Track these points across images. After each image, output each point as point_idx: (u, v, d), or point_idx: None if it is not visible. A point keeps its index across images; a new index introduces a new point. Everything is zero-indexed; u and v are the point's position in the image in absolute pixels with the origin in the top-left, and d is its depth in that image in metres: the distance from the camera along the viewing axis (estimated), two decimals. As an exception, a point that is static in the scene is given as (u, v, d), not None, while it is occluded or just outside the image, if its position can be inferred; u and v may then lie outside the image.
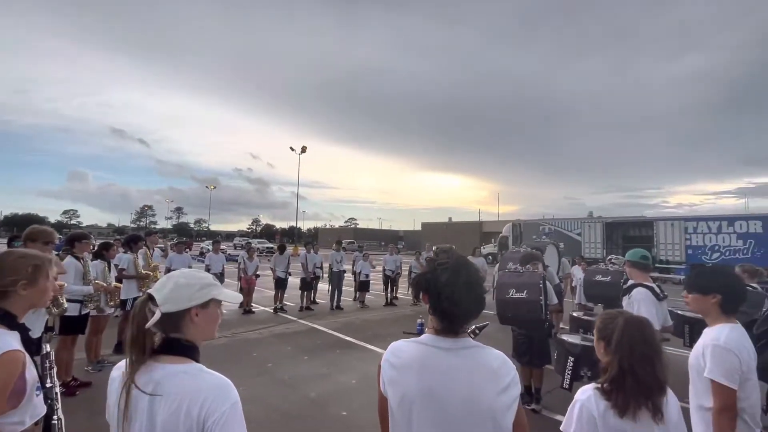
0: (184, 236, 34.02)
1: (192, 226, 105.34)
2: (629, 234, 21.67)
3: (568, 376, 2.90)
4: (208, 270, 8.12)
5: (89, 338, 4.87)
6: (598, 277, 4.68)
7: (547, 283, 4.00)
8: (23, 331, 1.47)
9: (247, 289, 8.97)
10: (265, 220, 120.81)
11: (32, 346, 1.51)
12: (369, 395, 4.40)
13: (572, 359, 2.90)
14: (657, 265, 16.62)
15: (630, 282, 3.10)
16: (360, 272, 10.24)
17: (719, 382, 1.74)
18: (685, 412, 1.53)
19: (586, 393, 1.42)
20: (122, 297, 5.47)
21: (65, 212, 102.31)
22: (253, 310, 8.87)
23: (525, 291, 3.66)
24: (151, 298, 1.08)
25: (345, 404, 4.15)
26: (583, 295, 6.75)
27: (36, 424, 1.46)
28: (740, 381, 1.75)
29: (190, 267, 8.30)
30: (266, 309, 9.14)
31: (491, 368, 1.12)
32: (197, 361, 1.10)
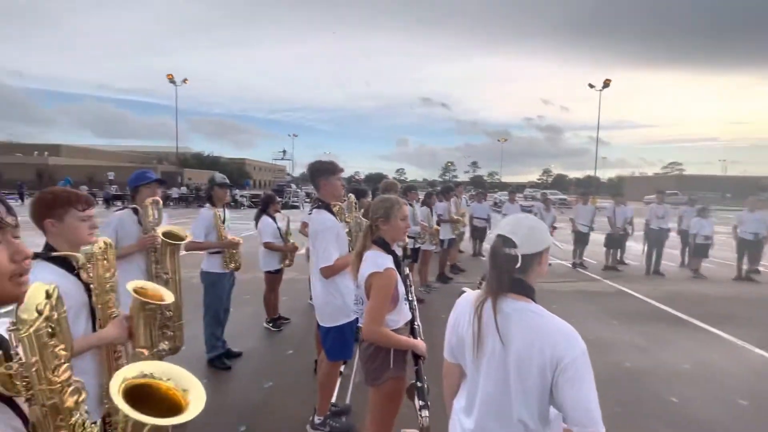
0: (480, 188, 37.47)
1: (485, 178, 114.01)
2: None
3: None
4: (505, 219, 8.56)
5: (420, 267, 6.27)
6: None
7: None
8: (395, 256, 1.99)
9: (542, 240, 8.85)
10: (556, 170, 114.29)
11: (400, 267, 2.03)
12: (708, 388, 3.41)
13: None
14: None
15: None
16: (696, 233, 7.83)
17: None
18: None
19: None
20: (441, 237, 6.68)
21: (397, 170, 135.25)
22: (550, 262, 8.68)
23: None
24: (504, 239, 1.17)
25: (673, 389, 3.40)
26: None
27: (405, 324, 1.99)
28: None
29: (489, 216, 9.10)
30: (563, 263, 8.74)
31: None
32: (535, 301, 1.15)
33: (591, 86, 33.88)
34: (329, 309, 2.53)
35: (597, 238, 8.79)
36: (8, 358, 0.66)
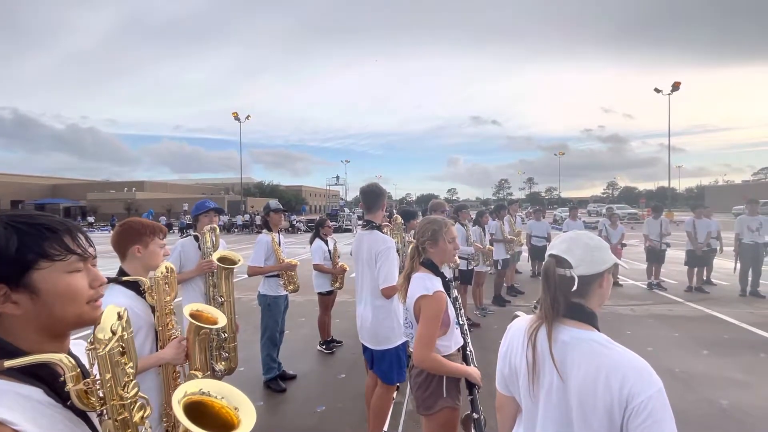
0: (537, 205, 35.58)
1: (543, 194, 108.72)
2: None
3: None
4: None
5: (474, 289, 6.02)
6: None
7: None
8: (443, 278, 1.91)
9: (610, 258, 8.11)
10: (623, 182, 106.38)
11: (448, 291, 1.94)
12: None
13: None
14: None
15: None
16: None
17: None
18: None
19: None
20: (494, 257, 6.38)
21: (448, 190, 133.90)
22: (620, 282, 7.92)
23: None
24: (557, 259, 1.07)
25: (789, 435, 2.85)
26: None
27: (458, 351, 1.88)
28: None
29: (548, 234, 8.58)
30: (637, 283, 7.90)
31: None
32: (598, 329, 1.02)
33: (657, 91, 31.33)
34: (384, 331, 2.49)
35: (677, 256, 7.89)
36: (84, 375, 0.72)
